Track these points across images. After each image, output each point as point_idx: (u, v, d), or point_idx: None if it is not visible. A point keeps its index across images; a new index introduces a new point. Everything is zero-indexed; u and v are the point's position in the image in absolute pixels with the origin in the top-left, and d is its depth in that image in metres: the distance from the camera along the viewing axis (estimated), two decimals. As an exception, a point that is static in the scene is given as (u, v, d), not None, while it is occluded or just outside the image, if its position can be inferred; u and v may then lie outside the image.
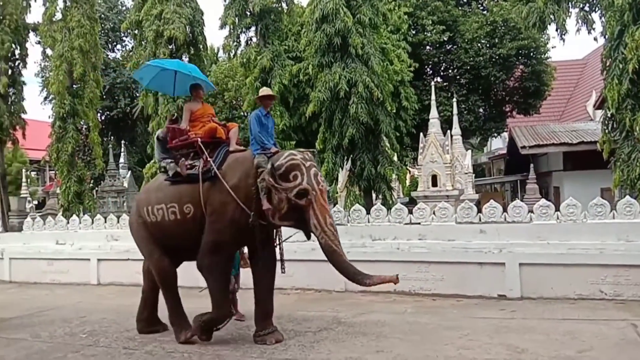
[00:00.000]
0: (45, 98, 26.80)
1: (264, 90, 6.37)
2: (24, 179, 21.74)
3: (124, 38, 30.43)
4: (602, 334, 5.61)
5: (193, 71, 6.64)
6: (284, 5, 17.75)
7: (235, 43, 17.71)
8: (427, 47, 23.18)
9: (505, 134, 28.20)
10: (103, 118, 28.51)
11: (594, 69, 27.31)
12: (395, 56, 18.87)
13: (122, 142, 25.48)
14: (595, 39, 12.55)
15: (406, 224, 8.60)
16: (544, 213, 7.78)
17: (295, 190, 5.34)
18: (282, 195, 5.36)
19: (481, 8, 24.47)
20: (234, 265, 6.53)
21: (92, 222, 11.06)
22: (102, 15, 26.38)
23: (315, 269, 8.41)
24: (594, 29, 12.21)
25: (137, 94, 25.07)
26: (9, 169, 21.98)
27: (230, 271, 6.07)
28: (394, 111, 16.73)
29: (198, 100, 6.49)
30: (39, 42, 18.99)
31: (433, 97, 17.19)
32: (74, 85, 17.44)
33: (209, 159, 5.85)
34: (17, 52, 17.27)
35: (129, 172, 22.09)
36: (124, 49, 31.60)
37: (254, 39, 17.51)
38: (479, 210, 8.35)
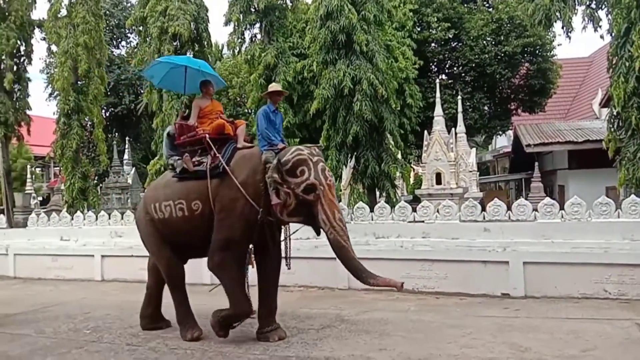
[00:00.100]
0: (50, 94, 26.93)
1: (273, 86, 6.30)
2: (28, 175, 21.80)
3: (129, 34, 30.54)
4: (606, 333, 5.58)
5: (203, 66, 6.62)
6: (288, 2, 17.80)
7: (239, 40, 17.73)
8: (432, 45, 23.15)
9: (510, 132, 28.11)
10: (107, 114, 28.63)
11: (600, 67, 27.12)
12: (400, 53, 18.85)
13: (127, 138, 25.57)
14: (601, 36, 12.55)
15: (410, 222, 8.57)
16: (549, 212, 7.74)
17: (302, 186, 5.29)
18: (290, 191, 5.32)
19: (487, 5, 24.40)
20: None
21: (96, 219, 11.09)
22: (107, 12, 26.43)
23: (319, 266, 8.45)
24: (600, 26, 12.17)
25: (142, 91, 25.17)
26: (14, 165, 22.06)
27: (243, 268, 5.92)
28: (399, 109, 16.70)
29: (207, 97, 6.46)
30: (44, 39, 19.11)
31: (438, 94, 17.13)
32: (79, 82, 17.51)
33: (217, 154, 5.81)
34: (22, 48, 17.30)
35: (133, 168, 22.15)
36: (128, 45, 31.78)
37: (259, 36, 17.54)
38: (483, 209, 8.31)
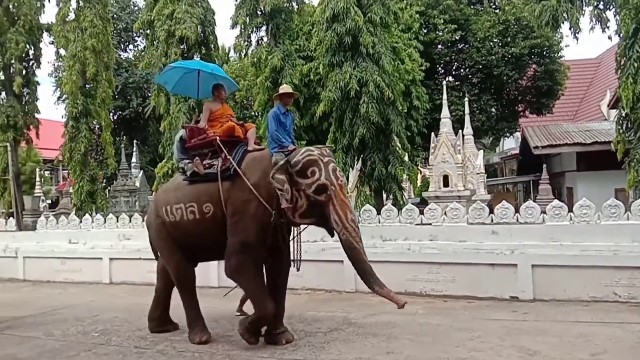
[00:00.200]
0: (59, 98, 27.06)
1: (284, 88, 6.29)
2: (37, 178, 21.88)
3: (136, 38, 30.69)
4: (616, 337, 5.55)
5: (215, 70, 6.67)
6: (294, 4, 17.77)
7: (246, 43, 17.75)
8: (439, 46, 23.08)
9: (518, 134, 27.96)
10: (115, 118, 28.75)
11: (608, 68, 26.95)
12: (407, 55, 18.81)
13: (134, 141, 25.68)
14: (609, 37, 12.45)
15: (417, 224, 8.55)
16: (557, 214, 7.69)
17: (314, 186, 5.25)
18: (301, 192, 5.29)
19: (493, 7, 24.31)
20: None
21: (105, 222, 11.14)
22: (115, 15, 26.60)
23: (326, 269, 8.44)
24: (608, 27, 12.09)
25: (149, 94, 25.27)
26: (23, 168, 22.17)
27: (262, 270, 5.83)
28: (405, 111, 16.67)
29: (218, 101, 6.48)
30: (52, 42, 19.23)
31: (445, 96, 17.07)
32: (87, 85, 17.63)
33: (228, 157, 5.81)
34: (31, 52, 17.44)
35: (141, 171, 22.24)
36: (136, 48, 31.91)
37: (265, 39, 17.56)
38: (491, 211, 8.28)
